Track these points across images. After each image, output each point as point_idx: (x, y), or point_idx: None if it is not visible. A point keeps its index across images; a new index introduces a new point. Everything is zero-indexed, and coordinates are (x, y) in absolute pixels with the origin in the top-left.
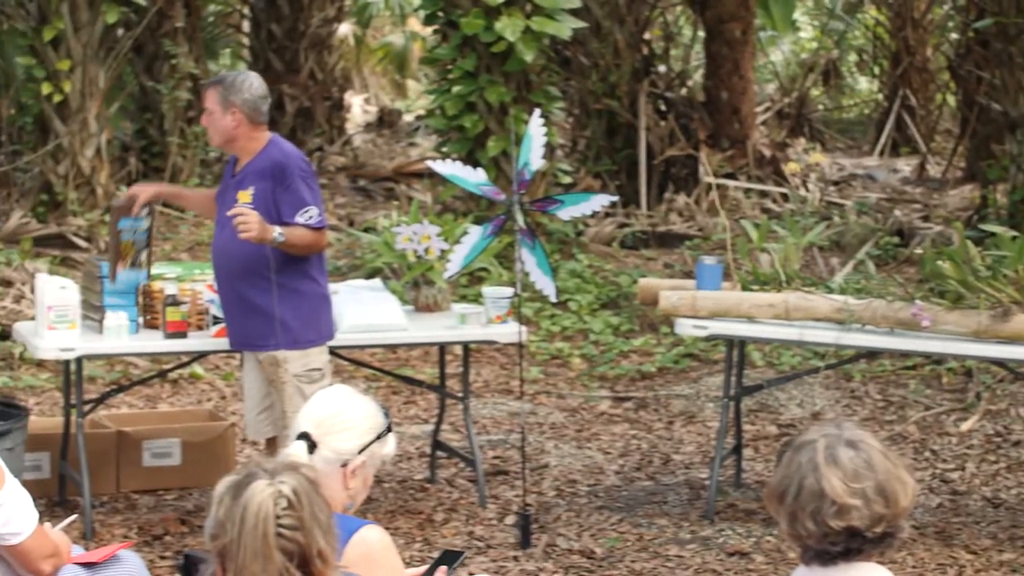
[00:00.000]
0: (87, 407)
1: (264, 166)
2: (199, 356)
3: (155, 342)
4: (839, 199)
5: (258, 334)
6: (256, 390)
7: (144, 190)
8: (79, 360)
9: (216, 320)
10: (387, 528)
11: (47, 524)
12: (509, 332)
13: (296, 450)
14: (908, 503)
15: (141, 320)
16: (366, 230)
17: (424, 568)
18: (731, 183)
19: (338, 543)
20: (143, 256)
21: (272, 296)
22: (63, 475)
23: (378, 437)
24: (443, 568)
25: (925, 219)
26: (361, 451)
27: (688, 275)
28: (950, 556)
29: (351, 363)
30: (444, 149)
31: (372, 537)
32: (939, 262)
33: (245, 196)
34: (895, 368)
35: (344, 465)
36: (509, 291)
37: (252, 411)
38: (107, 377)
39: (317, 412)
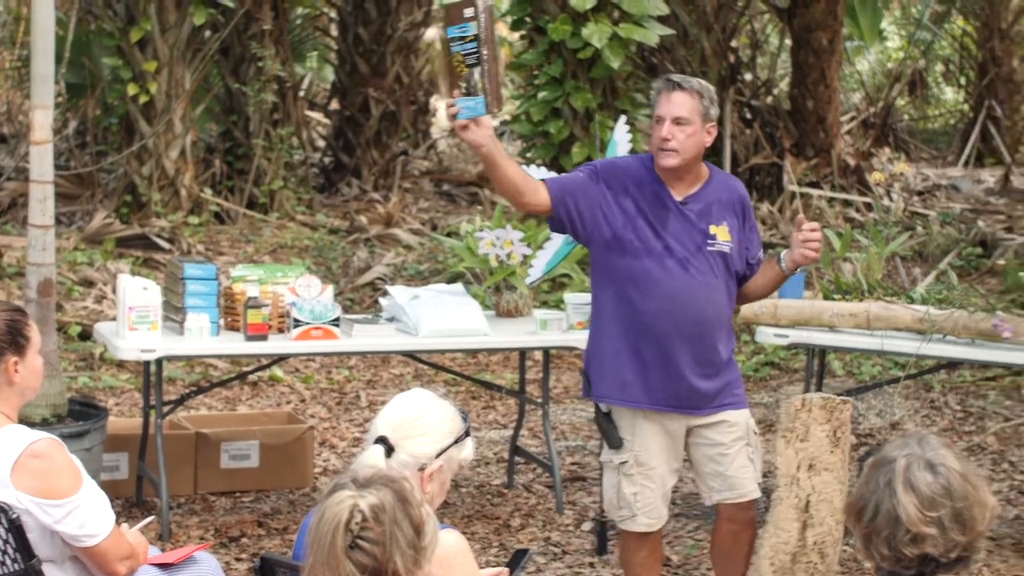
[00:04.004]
0: (166, 408)
1: (731, 198)
2: (279, 359)
3: (235, 344)
4: (923, 209)
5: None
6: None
7: None
8: (159, 361)
9: (297, 323)
10: (464, 532)
11: (124, 525)
12: None
13: (373, 454)
14: (986, 526)
15: (222, 322)
16: (449, 234)
17: (498, 570)
18: (815, 192)
19: (427, 559)
20: (476, 76)
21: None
22: (141, 476)
23: (456, 441)
24: (505, 570)
25: (1008, 230)
26: (439, 455)
27: None
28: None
29: (431, 367)
30: (529, 155)
31: (449, 541)
32: (1021, 273)
33: (723, 233)
34: (975, 379)
35: (421, 469)
36: (590, 297)
37: None
38: (187, 379)
39: (395, 416)
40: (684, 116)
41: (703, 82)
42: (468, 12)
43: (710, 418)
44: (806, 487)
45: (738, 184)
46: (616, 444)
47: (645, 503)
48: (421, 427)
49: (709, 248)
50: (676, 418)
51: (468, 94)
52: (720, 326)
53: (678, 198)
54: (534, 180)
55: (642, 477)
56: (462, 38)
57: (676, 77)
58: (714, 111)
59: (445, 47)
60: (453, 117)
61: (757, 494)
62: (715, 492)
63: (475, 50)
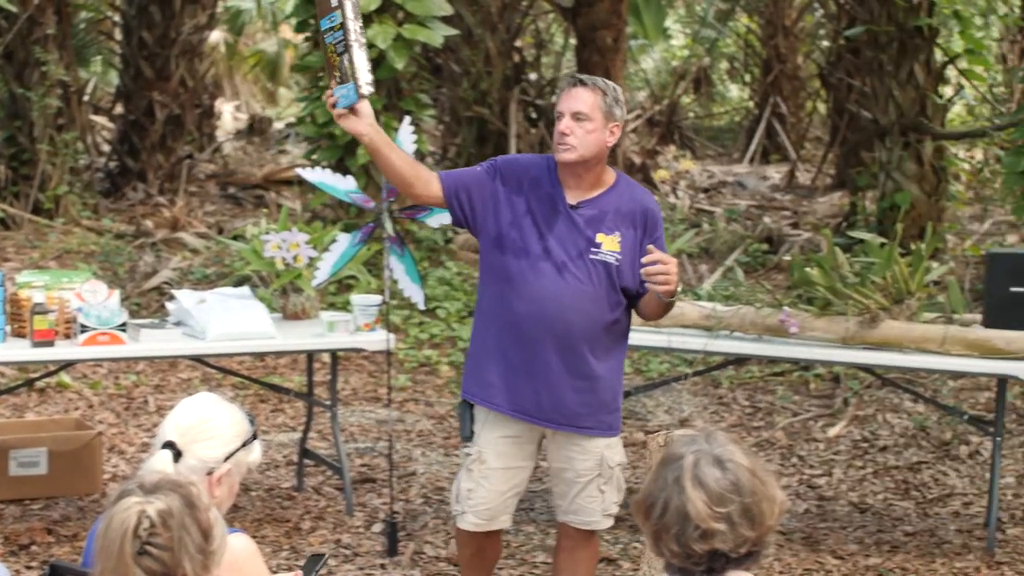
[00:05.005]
0: None
1: (634, 210)
2: (66, 365)
3: (22, 350)
4: (709, 206)
5: None
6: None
7: None
8: None
9: (83, 328)
10: (254, 536)
11: None
12: (377, 340)
13: (161, 459)
14: (775, 521)
15: (8, 328)
16: (235, 238)
17: (291, 574)
18: None
19: (216, 563)
20: (345, 63)
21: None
22: None
23: (244, 444)
24: (299, 572)
25: (794, 226)
26: (227, 459)
27: None
28: (817, 561)
29: (219, 371)
30: (314, 156)
31: (238, 545)
32: (807, 269)
33: (611, 243)
34: (763, 375)
35: (209, 473)
36: (377, 299)
37: None
38: None
39: (182, 420)
40: (584, 112)
41: (609, 81)
42: (334, 1)
43: (567, 437)
44: None
45: (648, 198)
46: (466, 435)
47: (477, 502)
48: (208, 431)
49: (592, 256)
50: (533, 427)
51: (342, 82)
52: (593, 337)
53: (571, 202)
54: (426, 171)
55: (480, 475)
56: (331, 28)
57: (581, 75)
58: (619, 112)
59: (321, 39)
60: (333, 106)
61: (603, 525)
62: (560, 511)
63: (341, 38)
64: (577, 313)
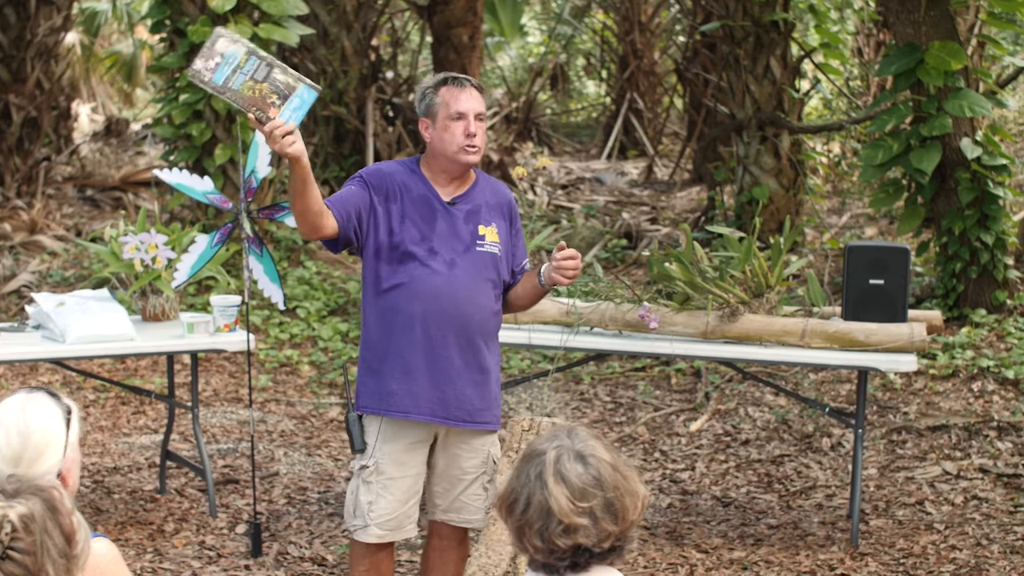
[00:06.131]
0: None
1: (500, 203)
2: None
3: None
4: (567, 203)
5: None
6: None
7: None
8: None
9: None
10: (117, 539)
11: None
12: (237, 340)
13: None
14: (638, 515)
15: None
16: (93, 240)
17: None
18: None
19: (79, 567)
20: (279, 77)
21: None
22: None
23: (68, 426)
24: None
25: (653, 221)
26: (64, 452)
27: None
28: (681, 555)
29: (80, 374)
30: (171, 158)
31: (101, 550)
32: (666, 264)
33: (492, 234)
34: (624, 370)
35: (59, 475)
36: (237, 299)
37: None
38: None
39: (7, 450)
40: (482, 112)
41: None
42: (221, 45)
43: (463, 434)
44: None
45: (506, 189)
46: (359, 448)
47: (380, 513)
48: (37, 446)
49: (479, 248)
50: (431, 427)
51: (285, 99)
52: (486, 330)
53: (446, 199)
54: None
55: (380, 487)
56: (236, 68)
57: (464, 76)
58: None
59: (230, 93)
60: (287, 133)
61: (481, 524)
62: (439, 510)
63: (257, 63)
64: (473, 306)
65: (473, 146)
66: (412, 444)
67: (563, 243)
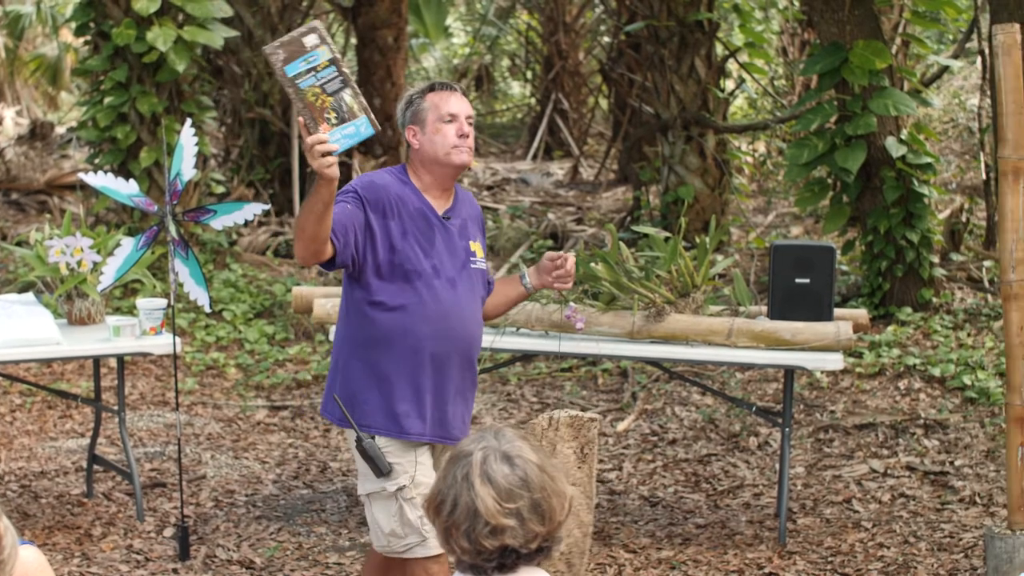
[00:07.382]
0: None
1: (475, 214)
2: None
3: None
4: (492, 203)
5: None
6: None
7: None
8: None
9: None
10: (44, 544)
11: None
12: (163, 343)
13: None
14: (565, 516)
15: None
16: (19, 244)
17: None
18: None
19: (6, 574)
20: (347, 99)
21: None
22: None
23: None
24: None
25: (579, 221)
26: None
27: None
28: (609, 555)
29: (6, 378)
30: (97, 161)
31: (28, 557)
32: (592, 264)
33: (479, 250)
34: (551, 370)
35: None
36: (163, 302)
37: None
38: None
39: None
40: (472, 116)
41: None
42: (311, 40)
43: (442, 450)
44: None
45: (474, 200)
46: (386, 471)
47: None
48: None
49: (472, 266)
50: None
51: (341, 122)
52: (479, 346)
53: (440, 213)
54: None
55: (423, 499)
56: (312, 69)
57: (445, 81)
58: None
59: (293, 89)
60: (327, 153)
61: None
62: None
63: (335, 74)
64: (475, 325)
65: (469, 147)
66: (428, 452)
67: (550, 252)
